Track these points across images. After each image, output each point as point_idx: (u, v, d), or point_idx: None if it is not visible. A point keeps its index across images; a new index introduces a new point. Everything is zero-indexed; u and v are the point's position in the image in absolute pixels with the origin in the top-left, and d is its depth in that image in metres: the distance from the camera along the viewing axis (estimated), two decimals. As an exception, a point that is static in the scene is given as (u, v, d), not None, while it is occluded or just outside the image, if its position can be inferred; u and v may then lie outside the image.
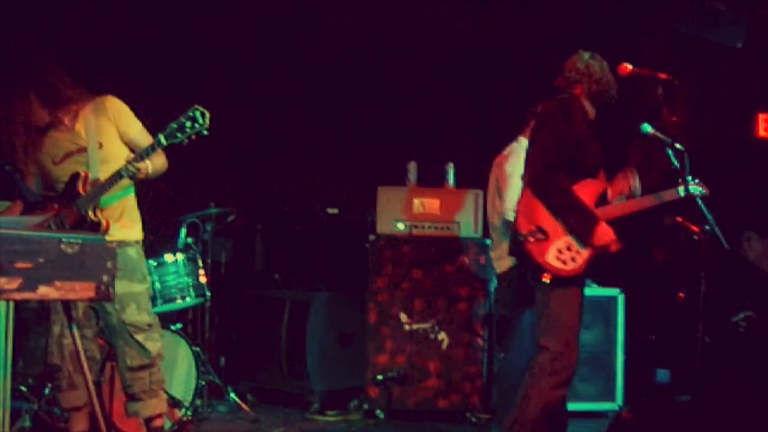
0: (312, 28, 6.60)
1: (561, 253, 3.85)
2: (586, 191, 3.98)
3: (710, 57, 6.50)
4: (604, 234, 3.88)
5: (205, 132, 3.90)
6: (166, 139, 3.94)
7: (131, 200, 4.29)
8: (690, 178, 3.97)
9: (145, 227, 4.39)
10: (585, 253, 3.87)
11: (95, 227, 4.00)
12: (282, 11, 6.46)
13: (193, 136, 3.91)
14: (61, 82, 4.11)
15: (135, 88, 4.36)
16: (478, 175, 5.42)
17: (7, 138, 4.08)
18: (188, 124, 3.89)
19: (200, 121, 3.89)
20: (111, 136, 4.16)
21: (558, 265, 3.84)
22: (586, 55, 4.15)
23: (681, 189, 3.98)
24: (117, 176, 4.00)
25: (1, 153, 3.44)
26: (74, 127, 4.18)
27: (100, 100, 4.19)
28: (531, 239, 3.84)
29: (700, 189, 4.03)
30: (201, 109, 3.90)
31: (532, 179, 3.96)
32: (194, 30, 6.43)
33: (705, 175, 4.04)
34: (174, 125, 3.92)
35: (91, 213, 4.02)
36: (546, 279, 3.84)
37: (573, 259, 3.85)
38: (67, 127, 4.19)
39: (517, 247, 3.94)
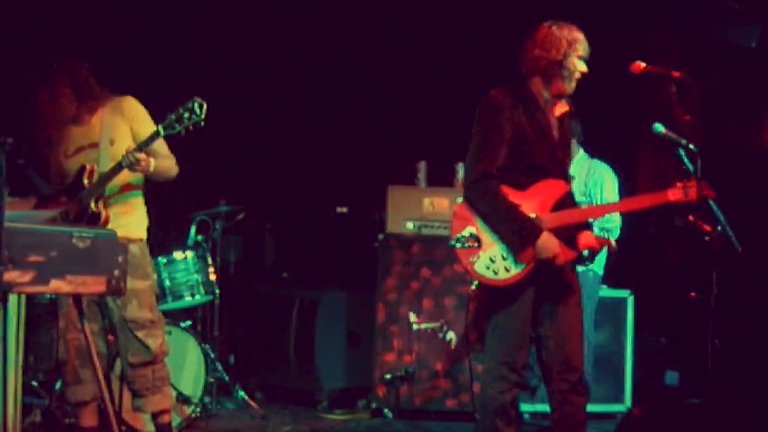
0: (321, 27, 6.59)
1: (493, 262, 3.56)
2: (540, 195, 3.63)
3: (721, 56, 6.46)
4: (546, 247, 3.51)
5: (202, 123, 3.89)
6: (165, 129, 3.95)
7: (138, 199, 4.31)
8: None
9: (156, 224, 4.38)
10: (523, 265, 3.55)
11: (95, 219, 4.01)
12: (291, 7, 6.45)
13: (191, 128, 3.91)
14: (93, 80, 4.17)
15: (137, 88, 4.36)
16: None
17: (31, 132, 4.11)
18: (186, 115, 3.89)
19: (198, 112, 3.87)
20: (124, 134, 4.18)
21: (487, 274, 3.57)
22: (541, 27, 3.67)
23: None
24: (117, 167, 4.02)
25: (18, 147, 3.44)
26: (90, 122, 4.22)
27: (118, 100, 4.23)
28: (460, 244, 3.61)
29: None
30: (199, 100, 3.89)
31: (465, 186, 3.67)
32: (197, 27, 6.41)
33: (716, 176, 3.97)
34: (172, 116, 3.93)
35: (93, 204, 4.03)
36: (473, 285, 3.64)
37: (507, 269, 3.55)
38: (84, 122, 4.23)
39: (451, 251, 3.67)
